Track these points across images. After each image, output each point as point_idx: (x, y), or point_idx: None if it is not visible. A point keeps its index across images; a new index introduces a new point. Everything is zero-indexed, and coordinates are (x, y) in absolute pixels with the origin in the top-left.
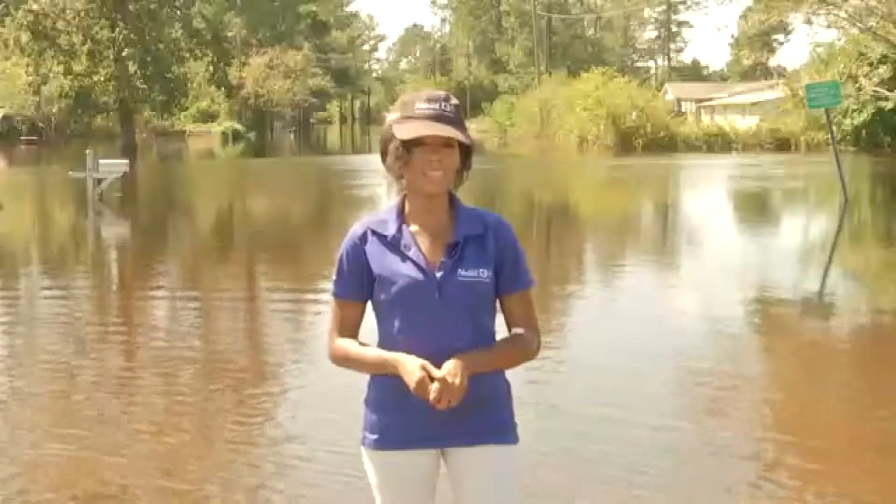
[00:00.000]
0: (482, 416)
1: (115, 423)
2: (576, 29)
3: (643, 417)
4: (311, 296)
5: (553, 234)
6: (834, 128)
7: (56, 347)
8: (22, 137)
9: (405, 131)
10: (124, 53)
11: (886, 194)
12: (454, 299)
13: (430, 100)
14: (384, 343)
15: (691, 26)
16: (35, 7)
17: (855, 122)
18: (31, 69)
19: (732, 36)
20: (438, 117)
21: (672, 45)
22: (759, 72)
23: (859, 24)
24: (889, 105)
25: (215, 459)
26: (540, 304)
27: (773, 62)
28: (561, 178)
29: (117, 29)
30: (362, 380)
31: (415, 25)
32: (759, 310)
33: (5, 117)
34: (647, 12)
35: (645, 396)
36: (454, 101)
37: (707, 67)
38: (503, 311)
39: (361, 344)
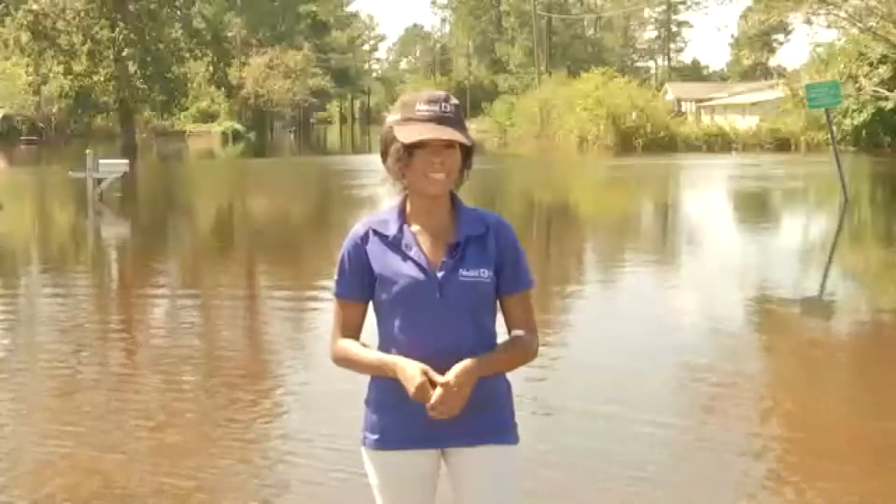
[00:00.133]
0: (483, 416)
1: (114, 421)
2: (576, 29)
3: (643, 416)
4: (310, 293)
5: (553, 233)
6: (834, 128)
7: (56, 347)
8: (22, 137)
9: (407, 134)
10: (124, 53)
11: (886, 194)
12: (455, 299)
13: (430, 101)
14: (385, 343)
15: (691, 26)
16: (35, 7)
17: (855, 122)
18: (31, 69)
19: (732, 36)
20: (439, 119)
21: (672, 45)
22: (759, 72)
23: (859, 24)
24: (889, 105)
25: (215, 458)
26: (540, 303)
27: (773, 62)
28: (561, 178)
29: (117, 29)
30: (363, 379)
31: (415, 25)
32: (758, 309)
33: (5, 117)
34: (647, 12)
35: (645, 395)
36: (454, 101)
37: (707, 67)
38: (503, 311)
39: (363, 346)
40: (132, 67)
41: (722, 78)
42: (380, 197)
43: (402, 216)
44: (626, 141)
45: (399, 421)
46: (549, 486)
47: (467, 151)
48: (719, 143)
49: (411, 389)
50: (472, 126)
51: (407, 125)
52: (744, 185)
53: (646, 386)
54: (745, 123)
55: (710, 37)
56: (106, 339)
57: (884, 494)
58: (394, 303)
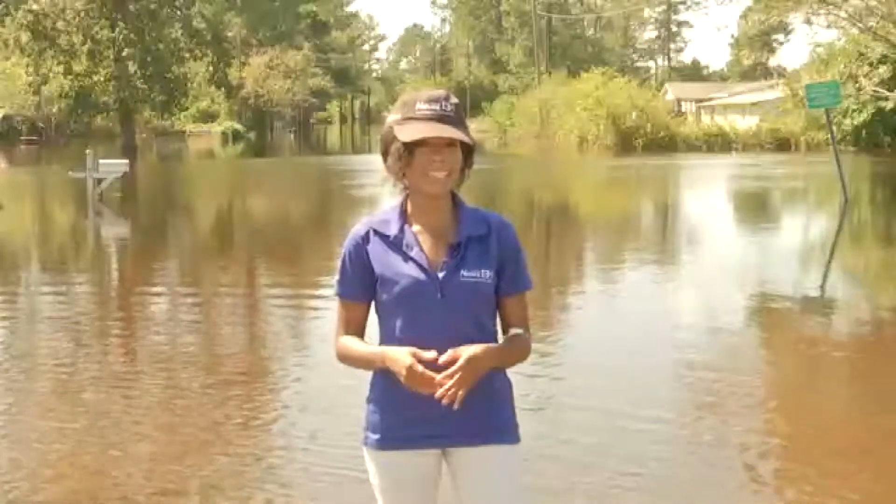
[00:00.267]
0: (484, 416)
1: (114, 420)
2: (576, 29)
3: (642, 415)
4: (310, 291)
5: (553, 233)
6: (834, 128)
7: (56, 346)
8: (22, 137)
9: (407, 133)
10: (124, 53)
11: (886, 194)
12: (456, 300)
13: (430, 100)
14: (386, 343)
15: (691, 26)
16: (35, 7)
17: (855, 122)
18: (31, 69)
19: (732, 36)
20: (440, 118)
21: (672, 45)
22: (759, 72)
23: (859, 24)
24: (889, 105)
25: (216, 457)
26: (540, 302)
27: (773, 62)
28: (561, 178)
29: (117, 29)
30: (365, 378)
31: (415, 25)
32: (758, 309)
33: (5, 117)
34: (647, 12)
35: (644, 394)
36: (454, 99)
37: (707, 67)
38: (501, 310)
39: (362, 341)
40: (132, 67)
41: (722, 78)
42: (380, 197)
43: (403, 216)
44: (626, 141)
45: (400, 421)
46: (547, 485)
47: (468, 151)
48: (719, 143)
49: (402, 372)
50: (472, 126)
51: (407, 124)
52: (744, 185)
53: (645, 385)
54: (745, 123)
55: (710, 37)
56: (106, 338)
57: (883, 493)
58: (395, 303)
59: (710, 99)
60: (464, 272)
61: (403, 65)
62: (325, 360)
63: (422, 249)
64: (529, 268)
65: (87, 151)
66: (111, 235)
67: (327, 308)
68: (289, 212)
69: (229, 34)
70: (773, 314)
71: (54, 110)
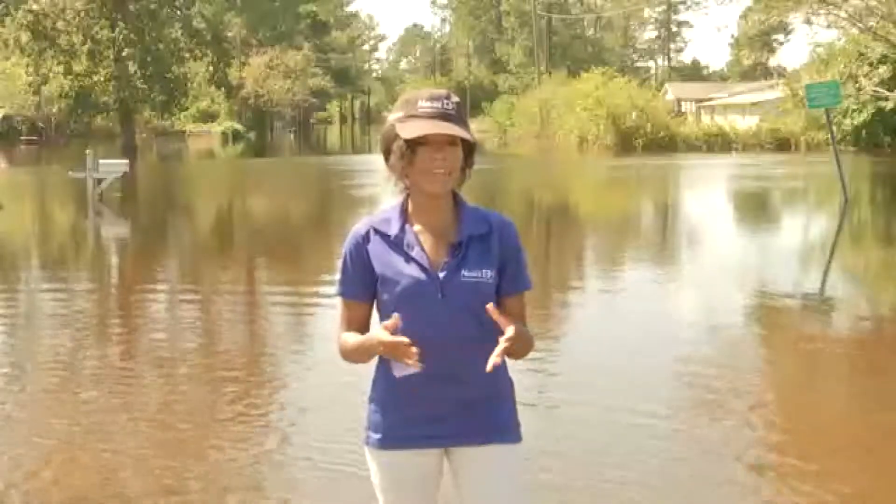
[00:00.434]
0: (485, 415)
1: (114, 419)
2: (576, 29)
3: (641, 414)
4: (311, 288)
5: (553, 233)
6: (834, 128)
7: (55, 346)
8: (22, 137)
9: (409, 130)
10: (124, 53)
11: (886, 194)
12: (457, 300)
13: (432, 98)
14: None
15: (691, 26)
16: (35, 7)
17: (855, 122)
18: (31, 69)
19: (732, 36)
20: (442, 116)
21: (672, 45)
22: (759, 72)
23: (859, 24)
24: (889, 105)
25: (216, 456)
26: (540, 302)
27: (773, 62)
28: (561, 178)
29: (117, 29)
30: (367, 377)
31: (415, 25)
32: (758, 309)
33: (5, 117)
34: (647, 12)
35: (644, 393)
36: (455, 98)
37: (707, 67)
38: (500, 310)
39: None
40: (132, 67)
41: (722, 78)
42: (380, 197)
43: (404, 215)
44: (626, 141)
45: (401, 420)
46: (545, 485)
47: (469, 150)
48: (719, 143)
49: (379, 348)
50: (472, 126)
51: (409, 122)
52: (744, 185)
53: (645, 383)
54: (745, 123)
55: (710, 37)
56: (106, 338)
57: (884, 491)
58: (395, 303)
59: (710, 99)
60: (465, 272)
61: (403, 65)
62: (325, 358)
63: (423, 249)
64: (529, 267)
65: (87, 151)
66: (111, 235)
67: (327, 307)
68: (289, 212)
69: (229, 34)
70: (773, 314)
71: (54, 110)
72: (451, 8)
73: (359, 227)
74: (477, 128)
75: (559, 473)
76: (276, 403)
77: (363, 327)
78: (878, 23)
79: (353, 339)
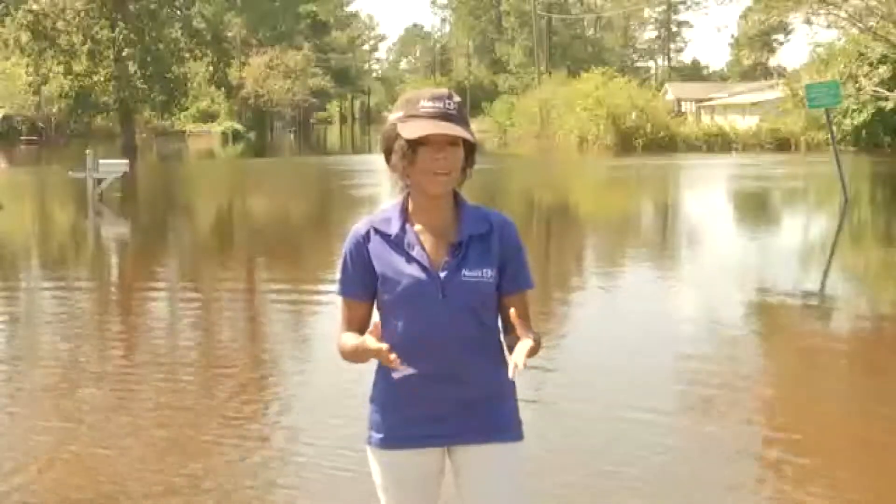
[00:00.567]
0: (486, 414)
1: (114, 419)
2: (576, 29)
3: (641, 413)
4: (310, 288)
5: (553, 233)
6: (834, 128)
7: (55, 345)
8: (22, 137)
9: (410, 130)
10: (124, 53)
11: (886, 194)
12: (457, 299)
13: (433, 98)
14: (387, 342)
15: (691, 26)
16: (35, 7)
17: (855, 122)
18: (31, 69)
19: (732, 36)
20: (444, 115)
21: (672, 45)
22: (759, 72)
23: (859, 24)
24: (889, 105)
25: (216, 456)
26: (540, 302)
27: (773, 62)
28: (561, 178)
29: (117, 29)
30: (368, 377)
31: (415, 25)
32: (758, 309)
33: (5, 117)
34: (647, 12)
35: (644, 393)
36: (457, 98)
37: (707, 67)
38: (502, 309)
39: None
40: (132, 67)
41: (722, 78)
42: (380, 196)
43: (405, 215)
44: (626, 141)
45: (402, 420)
46: (548, 482)
47: (470, 150)
48: (719, 143)
49: (370, 353)
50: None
51: (410, 121)
52: (744, 185)
53: (645, 383)
54: (745, 123)
55: (710, 37)
56: (106, 337)
57: (883, 490)
58: (396, 302)
59: (710, 99)
60: (465, 271)
61: (403, 65)
62: (324, 357)
63: (423, 249)
64: (529, 267)
65: (87, 151)
66: (111, 235)
67: (327, 306)
68: (289, 212)
69: (229, 34)
70: (773, 313)
71: (54, 110)
72: (451, 8)
73: (359, 226)
74: (477, 128)
75: (560, 473)
76: (276, 403)
77: (364, 327)
78: (878, 23)
79: (350, 341)
